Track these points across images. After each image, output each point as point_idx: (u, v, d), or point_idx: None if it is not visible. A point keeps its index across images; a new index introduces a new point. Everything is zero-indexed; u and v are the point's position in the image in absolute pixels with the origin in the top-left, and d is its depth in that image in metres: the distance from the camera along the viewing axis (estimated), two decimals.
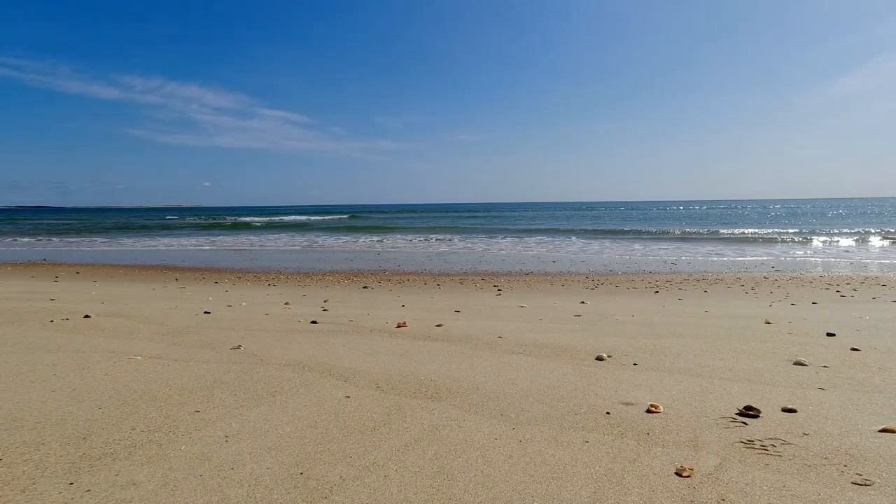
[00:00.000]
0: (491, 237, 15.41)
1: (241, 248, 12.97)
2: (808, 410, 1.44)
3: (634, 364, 1.97)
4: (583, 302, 4.01)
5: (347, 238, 15.68)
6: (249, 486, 1.02)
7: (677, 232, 16.03)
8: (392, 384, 1.71)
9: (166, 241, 16.05)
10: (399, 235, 16.86)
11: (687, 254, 9.84)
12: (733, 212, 38.45)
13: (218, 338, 2.45)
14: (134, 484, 1.03)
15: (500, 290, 5.11)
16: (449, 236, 16.08)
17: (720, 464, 1.11)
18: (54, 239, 17.29)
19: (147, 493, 1.00)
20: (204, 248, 13.08)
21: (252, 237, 17.15)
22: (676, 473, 1.07)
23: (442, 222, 28.23)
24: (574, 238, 14.29)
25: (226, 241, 15.85)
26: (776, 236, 13.81)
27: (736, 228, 17.97)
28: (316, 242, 14.48)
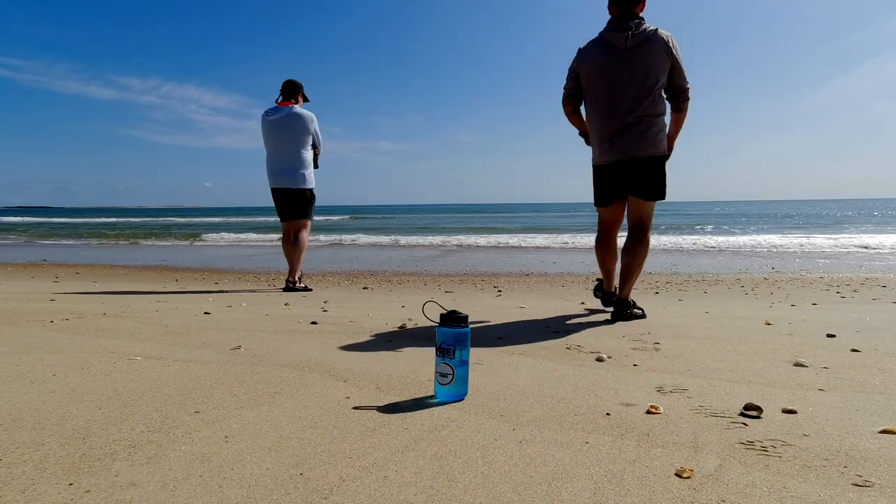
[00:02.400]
0: (491, 237, 15.41)
1: (241, 248, 12.97)
2: (808, 411, 1.44)
3: (634, 365, 1.97)
4: (583, 303, 4.01)
5: (347, 238, 15.67)
6: (249, 486, 1.02)
7: (676, 232, 16.03)
8: (392, 384, 1.71)
9: (165, 240, 16.06)
10: (399, 236, 16.86)
11: (686, 254, 9.84)
12: (732, 212, 38.48)
13: (218, 338, 2.45)
14: (134, 484, 1.03)
15: (499, 290, 5.11)
16: (449, 237, 16.08)
17: (720, 465, 1.11)
18: (54, 239, 17.30)
19: (147, 494, 1.00)
20: (204, 248, 13.09)
21: (252, 237, 17.15)
22: (676, 474, 1.07)
23: (442, 223, 28.22)
24: (574, 238, 14.29)
25: (225, 240, 15.86)
26: (775, 237, 13.82)
27: (735, 229, 17.98)
28: (316, 243, 14.48)
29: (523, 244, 12.85)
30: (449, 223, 27.48)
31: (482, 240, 14.64)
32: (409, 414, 1.44)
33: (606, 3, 2.92)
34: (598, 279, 3.52)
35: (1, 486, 1.03)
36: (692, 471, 1.08)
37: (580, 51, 2.95)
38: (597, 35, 2.90)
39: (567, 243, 12.83)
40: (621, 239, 3.21)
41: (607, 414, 1.43)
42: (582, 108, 3.12)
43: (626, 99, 2.78)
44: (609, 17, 2.91)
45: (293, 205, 4.59)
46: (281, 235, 4.80)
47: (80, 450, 1.19)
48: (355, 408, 1.49)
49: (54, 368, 1.87)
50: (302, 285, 4.78)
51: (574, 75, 2.98)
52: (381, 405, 1.51)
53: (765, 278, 6.12)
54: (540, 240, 14.07)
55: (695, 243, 12.32)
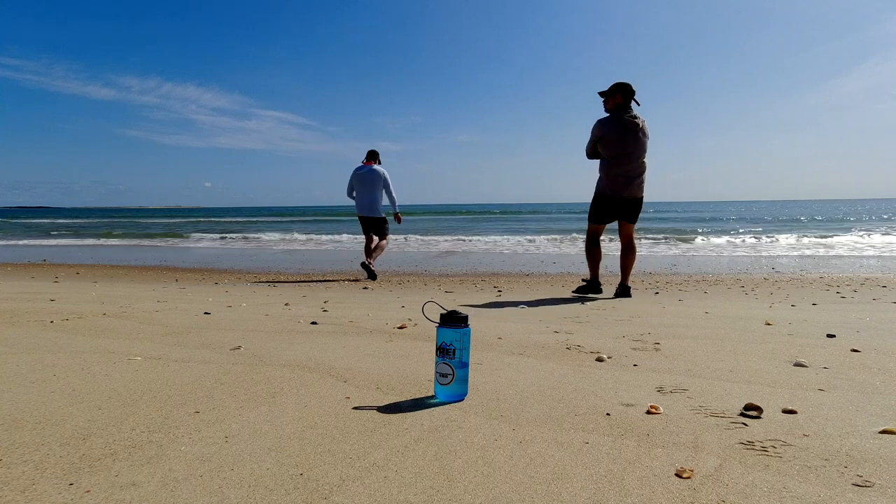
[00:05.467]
0: (490, 238, 15.41)
1: (241, 248, 12.98)
2: (808, 412, 1.44)
3: (634, 365, 1.97)
4: (583, 303, 4.01)
5: (348, 239, 15.66)
6: (249, 486, 1.02)
7: (675, 233, 16.03)
8: (392, 385, 1.71)
9: (167, 240, 16.07)
10: (399, 236, 16.86)
11: (686, 255, 9.84)
12: (731, 213, 38.48)
13: (218, 338, 2.45)
14: (134, 484, 1.03)
15: (500, 290, 5.11)
16: (449, 237, 16.08)
17: (720, 465, 1.11)
18: (55, 239, 17.30)
19: (147, 494, 1.00)
20: (205, 248, 13.09)
21: (253, 237, 17.15)
22: (676, 475, 1.07)
23: (442, 223, 28.19)
24: (574, 239, 14.29)
25: (227, 241, 15.86)
26: (775, 237, 13.82)
27: (735, 229, 17.97)
28: (317, 243, 14.48)
29: (523, 244, 12.85)
30: (449, 223, 27.47)
31: (482, 240, 14.64)
32: (409, 414, 1.44)
33: (614, 89, 4.51)
34: (583, 280, 5.00)
35: (1, 486, 1.03)
36: (692, 471, 1.08)
37: (603, 123, 4.52)
38: (610, 115, 4.52)
39: (569, 242, 12.83)
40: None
41: (607, 414, 1.43)
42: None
43: (634, 162, 4.49)
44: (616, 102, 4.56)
45: (374, 226, 7.10)
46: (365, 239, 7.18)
47: (80, 450, 1.19)
48: (355, 408, 1.49)
49: (54, 368, 1.87)
50: (373, 268, 6.67)
51: (596, 139, 4.59)
52: (381, 405, 1.51)
53: (765, 278, 6.12)
54: (540, 240, 14.07)
55: (695, 243, 12.32)
